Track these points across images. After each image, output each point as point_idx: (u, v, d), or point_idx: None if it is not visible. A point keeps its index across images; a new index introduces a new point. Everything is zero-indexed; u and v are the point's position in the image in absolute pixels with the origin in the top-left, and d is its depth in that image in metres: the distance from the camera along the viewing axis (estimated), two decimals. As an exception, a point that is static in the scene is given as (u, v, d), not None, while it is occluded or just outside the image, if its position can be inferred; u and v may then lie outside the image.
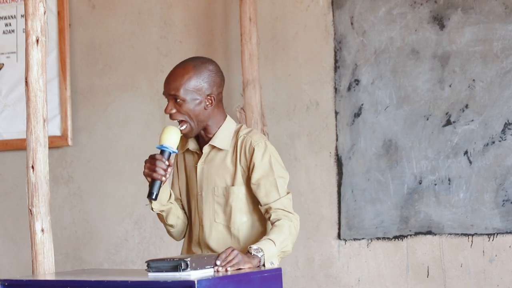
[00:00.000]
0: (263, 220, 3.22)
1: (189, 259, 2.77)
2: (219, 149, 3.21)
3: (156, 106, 4.73)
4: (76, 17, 4.91)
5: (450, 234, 4.15)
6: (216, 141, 3.21)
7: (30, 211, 3.35)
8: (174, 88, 3.14)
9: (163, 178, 3.08)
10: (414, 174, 4.21)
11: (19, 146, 4.86)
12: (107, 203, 4.81)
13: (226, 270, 2.89)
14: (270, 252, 3.03)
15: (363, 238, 4.30)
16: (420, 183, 4.20)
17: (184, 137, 3.21)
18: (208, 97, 3.17)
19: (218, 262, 2.90)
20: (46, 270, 3.33)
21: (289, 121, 4.44)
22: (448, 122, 4.17)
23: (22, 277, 3.09)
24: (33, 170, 3.35)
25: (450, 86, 4.17)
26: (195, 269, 2.78)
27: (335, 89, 4.38)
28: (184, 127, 3.15)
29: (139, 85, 4.77)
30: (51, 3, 4.86)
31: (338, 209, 4.34)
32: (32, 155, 3.35)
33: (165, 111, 3.17)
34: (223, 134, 3.21)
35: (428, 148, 4.19)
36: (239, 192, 3.18)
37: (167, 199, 3.22)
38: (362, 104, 4.32)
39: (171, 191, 3.25)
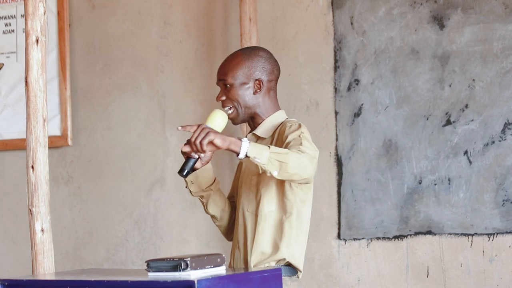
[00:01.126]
0: (292, 216, 3.12)
1: (189, 259, 2.77)
2: (262, 139, 3.18)
3: (156, 106, 4.73)
4: (76, 17, 4.91)
5: (450, 234, 4.15)
6: (259, 130, 3.19)
7: (30, 211, 3.35)
8: (223, 73, 3.17)
9: (196, 156, 3.03)
10: (414, 174, 4.21)
11: (19, 146, 4.86)
12: (107, 203, 4.81)
13: (203, 150, 2.85)
14: (258, 148, 2.89)
15: (363, 238, 4.30)
16: (420, 183, 4.20)
17: (233, 123, 3.19)
18: (257, 81, 3.18)
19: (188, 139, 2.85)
20: (46, 270, 3.33)
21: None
22: (448, 122, 4.17)
23: (22, 277, 3.08)
24: (33, 170, 3.35)
25: (450, 86, 4.17)
26: (195, 269, 2.77)
27: (335, 89, 4.38)
28: (231, 111, 3.16)
29: (139, 85, 4.77)
30: (51, 3, 4.86)
31: (338, 209, 4.34)
32: (32, 155, 3.35)
33: (216, 98, 3.18)
34: (268, 124, 3.19)
35: (428, 148, 4.19)
36: (270, 180, 3.10)
37: (207, 184, 3.18)
38: (362, 104, 4.32)
39: (217, 179, 3.21)
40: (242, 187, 3.20)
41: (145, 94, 4.76)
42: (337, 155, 4.36)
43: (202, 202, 3.24)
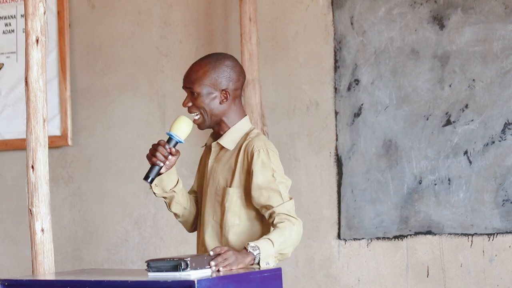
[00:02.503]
0: (256, 226, 3.20)
1: (189, 259, 2.77)
2: (226, 150, 3.23)
3: (156, 106, 4.73)
4: (76, 17, 4.91)
5: (450, 234, 4.15)
6: (223, 140, 3.24)
7: (30, 211, 3.35)
8: (190, 81, 3.21)
9: (161, 164, 3.14)
10: (414, 174, 4.21)
11: (19, 146, 4.86)
12: (107, 203, 4.81)
13: (218, 271, 2.89)
14: (267, 252, 3.02)
15: (363, 238, 4.30)
16: (420, 183, 4.20)
17: (199, 128, 3.26)
18: (223, 91, 3.20)
19: (212, 263, 2.90)
20: (46, 270, 3.33)
21: (289, 121, 4.43)
22: (448, 122, 4.17)
23: (22, 277, 3.08)
24: (33, 170, 3.35)
25: (450, 86, 4.17)
26: (195, 269, 2.78)
27: (335, 89, 4.38)
28: (197, 117, 3.22)
29: (139, 85, 4.77)
30: (51, 3, 4.86)
31: (338, 209, 4.34)
32: (32, 155, 3.35)
33: (183, 104, 3.24)
34: (233, 134, 3.24)
35: (428, 148, 4.19)
36: (234, 194, 3.18)
37: (171, 186, 3.23)
38: (362, 104, 4.32)
39: (180, 179, 3.26)
40: (207, 191, 3.26)
41: (145, 94, 4.76)
42: (337, 155, 4.36)
43: (165, 202, 3.31)
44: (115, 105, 4.82)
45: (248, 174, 3.15)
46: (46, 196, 3.37)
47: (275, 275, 2.91)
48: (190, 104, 3.22)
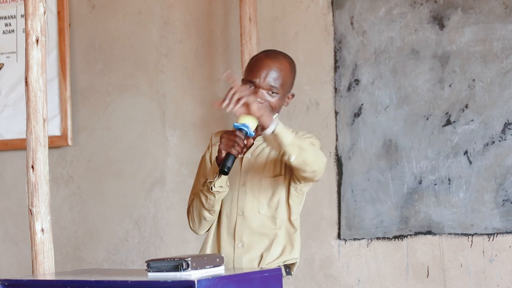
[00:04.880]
0: (297, 217, 3.21)
1: (189, 258, 2.77)
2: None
3: (156, 106, 4.73)
4: (76, 17, 4.91)
5: (450, 234, 4.15)
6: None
7: (30, 211, 3.35)
8: (276, 80, 3.16)
9: (239, 155, 3.03)
10: (414, 174, 4.21)
11: (19, 146, 4.86)
12: (107, 203, 4.81)
13: (234, 106, 2.88)
14: (285, 129, 2.95)
15: (363, 238, 4.30)
16: (420, 183, 4.20)
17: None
18: (289, 95, 3.24)
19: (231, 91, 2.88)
20: (46, 270, 3.33)
21: (289, 121, 4.43)
22: (448, 122, 4.17)
23: (22, 277, 3.08)
24: (33, 170, 3.35)
25: (450, 86, 4.17)
26: (196, 269, 2.77)
27: (335, 89, 4.38)
28: None
29: (139, 85, 4.77)
30: (51, 3, 4.86)
31: (338, 209, 4.34)
32: (32, 155, 3.35)
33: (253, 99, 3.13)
34: None
35: (428, 148, 4.19)
36: (284, 186, 3.18)
37: (226, 181, 3.17)
38: (362, 104, 4.32)
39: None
40: (245, 185, 3.21)
41: (145, 94, 4.76)
42: (337, 155, 4.36)
43: (212, 198, 3.19)
44: (115, 105, 4.82)
45: (290, 170, 3.15)
46: (46, 196, 3.37)
47: (275, 275, 2.91)
48: (264, 100, 3.14)
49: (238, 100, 2.92)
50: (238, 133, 3.02)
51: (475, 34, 4.13)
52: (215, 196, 3.18)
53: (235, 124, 3.05)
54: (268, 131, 2.93)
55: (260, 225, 3.19)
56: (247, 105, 2.93)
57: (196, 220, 3.29)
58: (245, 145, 3.04)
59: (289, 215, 3.21)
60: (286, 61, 3.23)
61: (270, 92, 3.16)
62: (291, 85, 3.24)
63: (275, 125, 2.93)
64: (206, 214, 3.24)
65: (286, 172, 3.19)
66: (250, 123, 3.04)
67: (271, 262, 3.18)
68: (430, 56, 4.20)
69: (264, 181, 3.19)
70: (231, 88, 2.94)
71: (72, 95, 4.88)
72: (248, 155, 3.23)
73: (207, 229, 3.32)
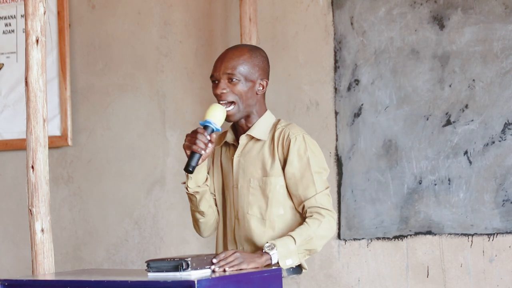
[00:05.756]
0: (297, 217, 3.17)
1: (189, 259, 2.77)
2: (256, 140, 3.18)
3: (156, 106, 4.73)
4: (76, 17, 4.91)
5: (450, 234, 4.15)
6: (254, 131, 3.18)
7: (30, 211, 3.35)
8: (231, 67, 3.12)
9: (202, 152, 3.03)
10: (414, 174, 4.21)
11: (19, 146, 4.86)
12: (107, 203, 4.81)
13: (224, 271, 2.85)
14: (287, 249, 2.95)
15: (363, 238, 4.30)
16: (420, 183, 4.20)
17: (228, 120, 3.17)
18: (261, 81, 3.18)
19: (214, 261, 2.85)
20: (46, 270, 3.33)
21: (289, 121, 4.43)
22: (448, 122, 4.17)
23: (22, 277, 3.08)
24: (33, 170, 3.35)
25: (450, 86, 4.17)
26: (196, 269, 2.78)
27: (335, 89, 4.38)
28: (231, 107, 3.12)
29: (139, 85, 4.77)
30: (51, 3, 4.86)
31: (338, 209, 4.34)
32: (32, 155, 3.35)
33: (216, 91, 3.13)
34: (262, 125, 3.19)
35: (428, 148, 4.19)
36: (276, 183, 3.13)
37: (203, 181, 3.18)
38: (362, 104, 4.32)
39: (208, 176, 3.22)
40: (237, 187, 3.20)
41: (145, 94, 4.76)
42: (337, 155, 4.36)
43: (194, 200, 3.22)
44: (115, 105, 4.82)
45: (285, 162, 3.11)
46: (46, 196, 3.37)
47: (275, 275, 2.91)
48: (226, 90, 3.13)
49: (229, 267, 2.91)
50: (200, 130, 3.04)
51: (475, 34, 4.13)
52: (196, 197, 3.20)
53: (200, 122, 3.08)
54: (282, 265, 2.97)
55: (252, 227, 3.16)
56: (238, 266, 2.91)
57: (194, 223, 3.34)
58: (209, 141, 3.05)
59: (279, 211, 3.15)
60: (245, 48, 3.20)
61: (230, 80, 3.13)
62: (257, 72, 3.17)
63: (277, 258, 2.97)
64: (197, 215, 3.28)
65: (276, 174, 3.15)
66: (218, 117, 3.07)
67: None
68: (430, 56, 4.20)
69: (253, 182, 3.18)
70: (221, 253, 2.93)
71: (72, 95, 4.88)
72: (237, 155, 3.22)
73: (210, 232, 3.33)
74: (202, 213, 3.24)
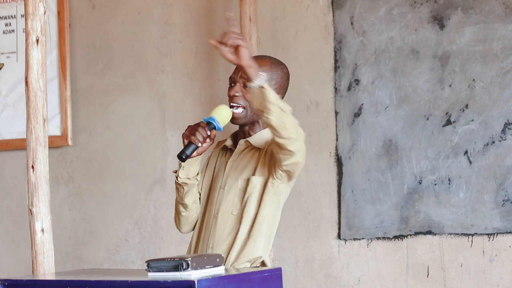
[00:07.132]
0: (277, 215, 3.20)
1: (189, 259, 2.77)
2: (253, 148, 3.23)
3: (156, 106, 4.73)
4: (76, 17, 4.91)
5: (450, 234, 4.15)
6: (253, 139, 3.24)
7: (30, 211, 3.35)
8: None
9: (199, 144, 3.09)
10: (414, 174, 4.21)
11: (19, 146, 4.86)
12: (107, 203, 4.81)
13: (227, 45, 2.89)
14: (271, 90, 2.93)
15: (363, 238, 4.30)
16: (420, 183, 4.20)
17: (233, 122, 3.22)
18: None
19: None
20: (46, 270, 3.33)
21: (289, 121, 4.43)
22: (448, 122, 4.17)
23: (22, 277, 3.08)
24: (33, 170, 3.35)
25: (450, 86, 4.17)
26: (196, 269, 2.77)
27: (335, 89, 4.38)
28: (240, 110, 3.18)
29: (139, 85, 4.77)
30: (51, 3, 4.86)
31: (338, 209, 4.34)
32: (32, 155, 3.35)
33: (230, 92, 3.20)
34: (263, 136, 3.25)
35: (428, 148, 4.19)
36: (257, 183, 3.17)
37: (194, 175, 3.22)
38: (362, 104, 4.32)
39: (199, 173, 3.26)
40: (224, 188, 3.24)
41: (145, 94, 4.76)
42: (337, 155, 4.36)
43: (181, 190, 3.26)
44: (115, 105, 4.82)
45: (271, 160, 3.15)
46: (46, 196, 3.37)
47: (275, 275, 2.91)
48: (238, 94, 3.20)
49: (231, 42, 2.92)
50: (202, 124, 3.11)
51: (475, 34, 4.13)
52: (183, 188, 3.24)
53: (205, 117, 3.14)
54: (256, 83, 2.93)
55: (230, 225, 3.20)
56: (236, 50, 2.92)
57: (175, 215, 3.37)
58: (208, 136, 3.11)
59: (258, 211, 3.17)
60: (268, 60, 3.26)
61: (245, 86, 3.18)
62: (273, 86, 3.21)
63: (263, 80, 2.93)
64: (180, 208, 3.31)
65: (258, 174, 3.18)
66: (223, 117, 3.13)
67: (234, 262, 3.16)
68: (430, 56, 4.20)
69: (240, 183, 3.21)
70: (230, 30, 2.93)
71: (72, 95, 4.88)
72: (232, 159, 3.27)
73: (189, 228, 3.36)
74: (185, 206, 3.29)
